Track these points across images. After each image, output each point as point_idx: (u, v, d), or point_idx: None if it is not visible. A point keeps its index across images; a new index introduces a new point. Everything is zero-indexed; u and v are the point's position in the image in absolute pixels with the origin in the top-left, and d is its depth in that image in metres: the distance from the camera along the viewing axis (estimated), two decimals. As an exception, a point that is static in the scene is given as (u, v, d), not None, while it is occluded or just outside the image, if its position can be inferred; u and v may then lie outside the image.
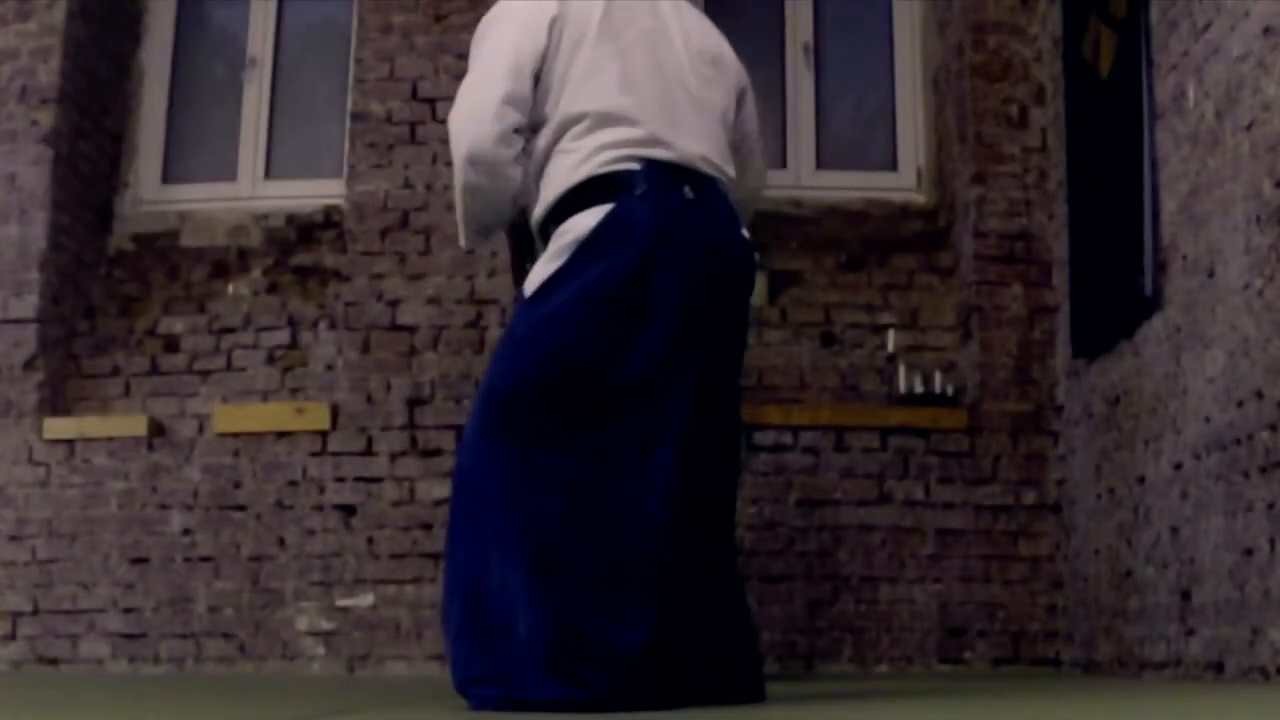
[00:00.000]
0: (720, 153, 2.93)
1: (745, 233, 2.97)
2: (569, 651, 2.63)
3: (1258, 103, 3.45)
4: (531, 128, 2.89)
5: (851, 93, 5.76)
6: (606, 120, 2.81)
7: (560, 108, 2.85)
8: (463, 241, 3.06)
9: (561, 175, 2.83)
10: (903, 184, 5.56)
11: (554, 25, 2.86)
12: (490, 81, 2.84)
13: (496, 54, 2.87)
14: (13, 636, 5.00)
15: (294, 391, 5.17)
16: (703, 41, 3.03)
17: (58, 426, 5.11)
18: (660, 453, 2.70)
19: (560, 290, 2.75)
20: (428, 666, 4.86)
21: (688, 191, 2.81)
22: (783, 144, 5.61)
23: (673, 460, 2.71)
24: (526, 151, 2.89)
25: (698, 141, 2.86)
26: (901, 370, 5.12)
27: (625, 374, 2.71)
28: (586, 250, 2.76)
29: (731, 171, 2.98)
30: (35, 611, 5.01)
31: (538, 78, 2.86)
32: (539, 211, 2.90)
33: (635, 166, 2.79)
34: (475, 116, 2.84)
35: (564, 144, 2.84)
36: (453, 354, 5.08)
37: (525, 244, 3.13)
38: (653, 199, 2.76)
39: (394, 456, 5.03)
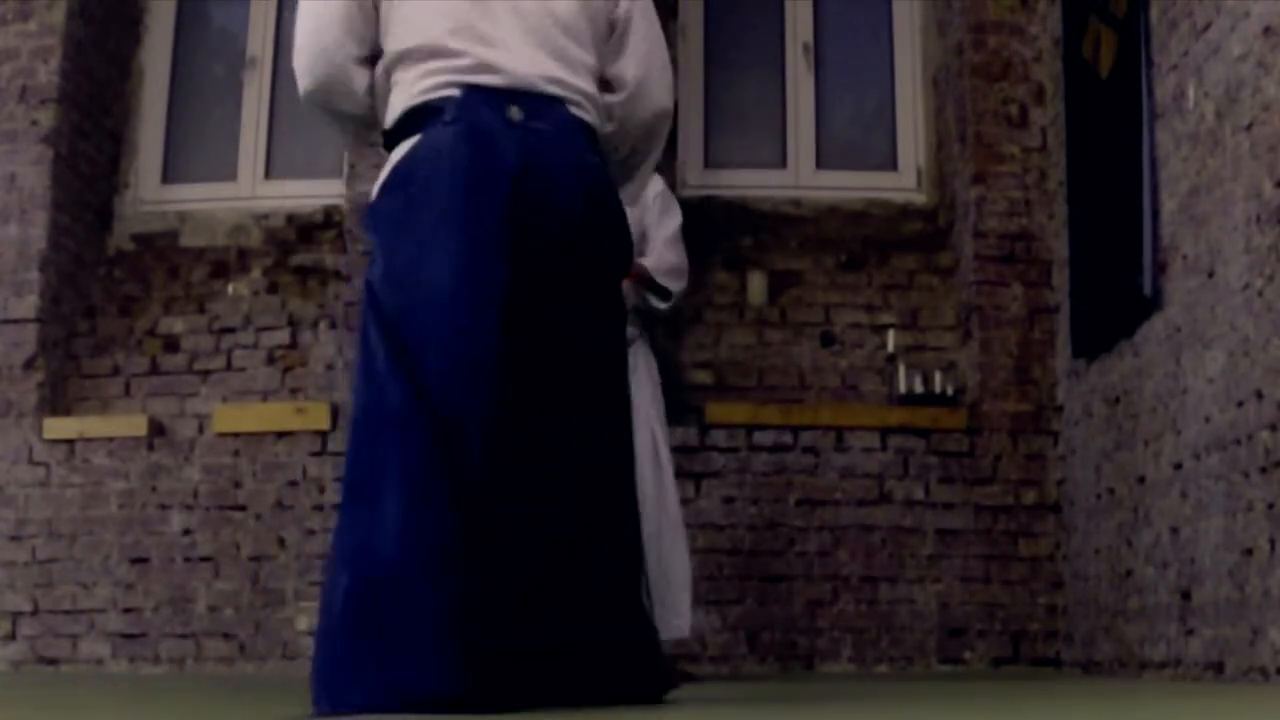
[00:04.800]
0: (576, 72, 2.70)
1: (597, 160, 2.71)
2: None
3: (1258, 103, 3.45)
4: (372, 59, 2.77)
5: (851, 93, 5.76)
6: (431, 53, 2.66)
7: (390, 44, 2.72)
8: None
9: (392, 108, 2.73)
10: (903, 184, 5.56)
11: None
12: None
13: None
14: (13, 636, 5.00)
15: (294, 391, 5.17)
16: None
17: (58, 426, 5.11)
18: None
19: (375, 226, 2.66)
20: (428, 666, 4.86)
21: (514, 113, 2.60)
22: (783, 144, 5.61)
23: (480, 442, 2.46)
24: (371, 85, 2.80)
25: (538, 63, 2.66)
26: (901, 370, 5.12)
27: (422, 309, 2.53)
28: (393, 183, 2.65)
29: (594, 91, 2.74)
30: (35, 611, 5.01)
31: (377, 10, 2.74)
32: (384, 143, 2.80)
33: (454, 93, 2.62)
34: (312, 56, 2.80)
35: (395, 76, 2.72)
36: (453, 354, 5.08)
37: None
38: (463, 123, 2.59)
39: (394, 456, 5.02)
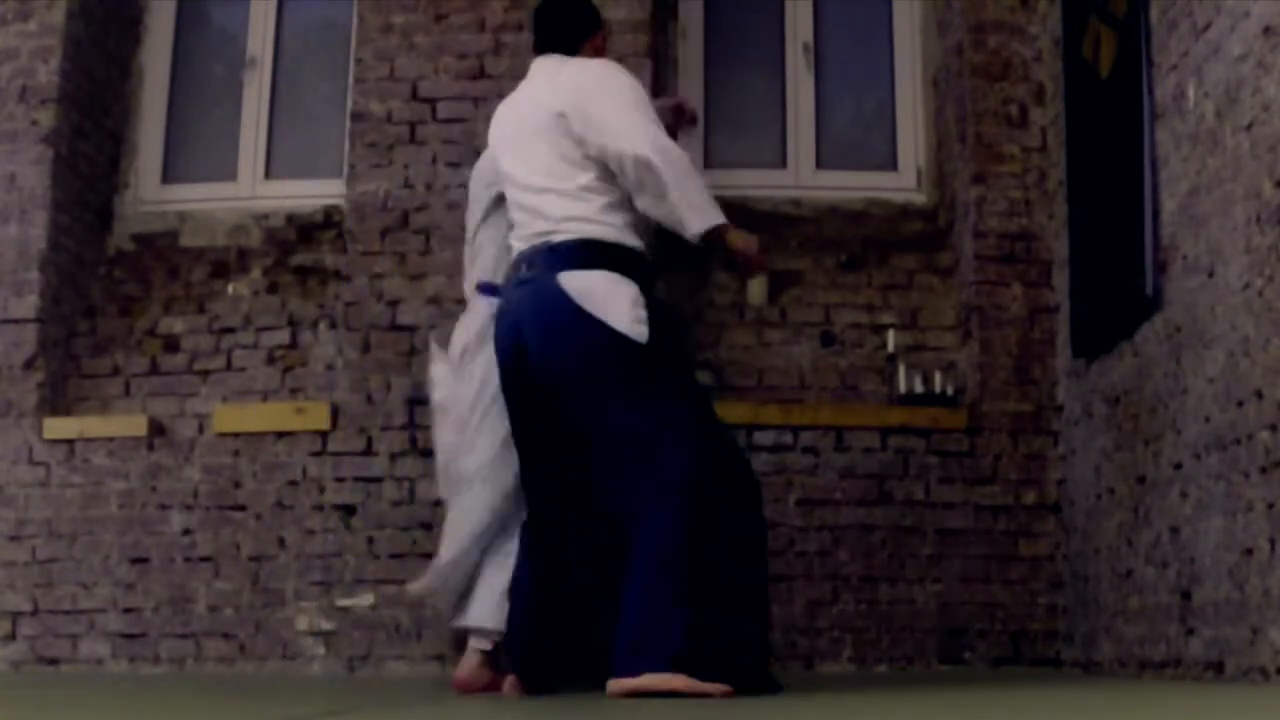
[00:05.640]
0: (560, 208, 3.58)
1: (568, 279, 3.50)
2: None
3: (1258, 103, 3.45)
4: None
5: (851, 93, 5.76)
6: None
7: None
8: None
9: None
10: (903, 184, 5.56)
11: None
12: None
13: None
14: (13, 636, 5.00)
15: (294, 391, 5.17)
16: (536, 108, 3.66)
17: (58, 426, 5.11)
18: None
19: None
20: (427, 666, 4.86)
21: (523, 271, 3.61)
22: (783, 144, 5.61)
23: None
24: None
25: (537, 220, 3.62)
26: (901, 370, 5.12)
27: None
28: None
29: (569, 208, 3.56)
30: (35, 611, 5.01)
31: None
32: None
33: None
34: None
35: None
36: (453, 354, 5.07)
37: None
38: (503, 296, 3.73)
39: (394, 456, 5.02)
